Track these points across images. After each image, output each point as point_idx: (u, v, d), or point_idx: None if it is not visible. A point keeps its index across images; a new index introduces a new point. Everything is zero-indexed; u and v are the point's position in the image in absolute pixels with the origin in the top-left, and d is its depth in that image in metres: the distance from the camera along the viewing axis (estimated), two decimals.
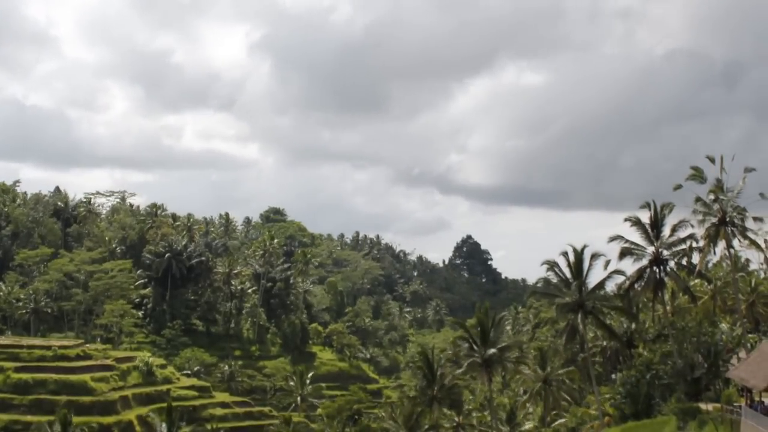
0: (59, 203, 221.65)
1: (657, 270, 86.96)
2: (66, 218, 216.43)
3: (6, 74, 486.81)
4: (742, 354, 79.58)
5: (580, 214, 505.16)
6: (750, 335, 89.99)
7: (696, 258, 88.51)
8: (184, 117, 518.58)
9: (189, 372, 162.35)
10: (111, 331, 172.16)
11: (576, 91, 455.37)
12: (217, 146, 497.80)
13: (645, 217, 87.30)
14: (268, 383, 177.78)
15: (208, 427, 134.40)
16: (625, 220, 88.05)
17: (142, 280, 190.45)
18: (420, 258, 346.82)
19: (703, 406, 74.67)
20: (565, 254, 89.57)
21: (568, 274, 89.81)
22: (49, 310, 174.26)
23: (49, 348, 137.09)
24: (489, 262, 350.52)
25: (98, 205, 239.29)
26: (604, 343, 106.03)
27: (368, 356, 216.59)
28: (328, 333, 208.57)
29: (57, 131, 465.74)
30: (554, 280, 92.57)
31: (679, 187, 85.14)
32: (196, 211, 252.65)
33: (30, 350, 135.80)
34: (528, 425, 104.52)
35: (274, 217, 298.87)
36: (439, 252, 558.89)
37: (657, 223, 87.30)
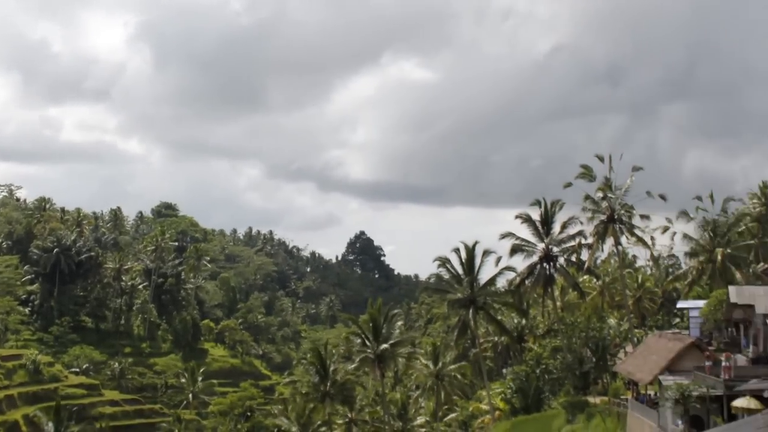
0: None
1: (547, 266, 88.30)
2: None
3: None
4: (629, 348, 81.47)
5: (462, 210, 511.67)
6: (636, 330, 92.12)
7: (585, 254, 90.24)
8: (63, 108, 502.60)
9: (78, 370, 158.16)
10: None
11: (462, 89, 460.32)
12: (99, 138, 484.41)
13: (536, 214, 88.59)
14: (158, 380, 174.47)
15: (98, 425, 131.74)
16: (516, 217, 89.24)
17: (29, 276, 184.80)
18: (313, 254, 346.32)
19: (591, 399, 76.13)
20: (457, 251, 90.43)
21: (460, 271, 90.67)
22: None
23: None
24: (382, 258, 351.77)
25: None
26: (496, 339, 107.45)
27: (261, 352, 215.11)
28: (221, 329, 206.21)
29: None
30: (446, 276, 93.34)
31: (569, 185, 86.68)
32: (85, 206, 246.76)
33: None
34: (420, 420, 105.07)
35: (165, 212, 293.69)
36: (332, 248, 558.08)
37: (547, 220, 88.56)
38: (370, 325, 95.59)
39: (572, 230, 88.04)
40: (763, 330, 59.71)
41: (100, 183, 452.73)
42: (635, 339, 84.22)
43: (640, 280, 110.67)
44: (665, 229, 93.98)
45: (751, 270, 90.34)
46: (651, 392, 62.56)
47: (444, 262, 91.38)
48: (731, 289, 67.78)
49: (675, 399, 50.41)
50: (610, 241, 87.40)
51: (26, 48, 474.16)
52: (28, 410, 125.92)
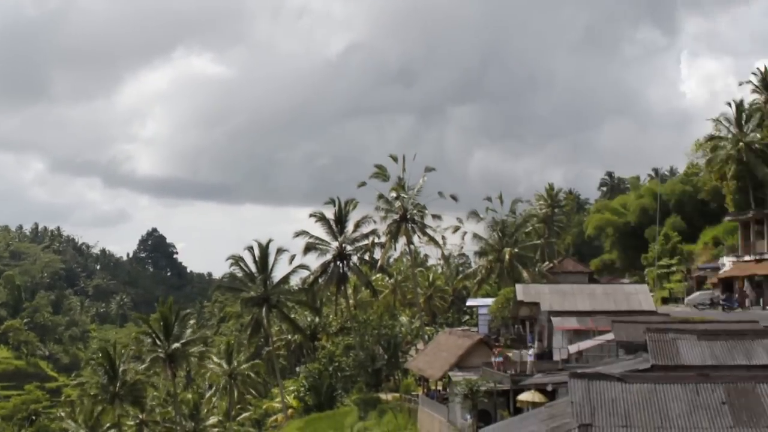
0: None
1: (340, 265, 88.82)
2: None
3: None
4: (420, 345, 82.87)
5: (253, 208, 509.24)
6: (427, 327, 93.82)
7: (378, 253, 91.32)
8: None
9: None
10: None
11: (256, 87, 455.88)
12: None
13: (330, 213, 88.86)
14: None
15: None
16: (311, 215, 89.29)
17: None
18: (103, 251, 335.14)
19: (383, 396, 76.92)
20: (250, 249, 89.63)
21: (254, 269, 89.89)
22: None
23: None
24: (174, 256, 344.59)
25: None
26: (289, 337, 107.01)
27: (47, 353, 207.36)
28: (4, 330, 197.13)
29: None
30: (240, 274, 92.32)
31: (363, 184, 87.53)
32: None
33: None
34: (212, 420, 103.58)
35: None
36: (123, 245, 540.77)
37: (341, 219, 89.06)
38: (161, 323, 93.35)
39: (366, 229, 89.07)
40: (548, 326, 62.03)
41: None
42: (426, 336, 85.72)
43: (431, 278, 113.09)
44: (456, 229, 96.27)
45: (537, 269, 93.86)
46: (441, 388, 63.69)
47: (237, 260, 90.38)
48: (518, 287, 70.19)
49: (464, 394, 51.40)
50: (402, 240, 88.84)
51: None
52: None
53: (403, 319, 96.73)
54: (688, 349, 36.24)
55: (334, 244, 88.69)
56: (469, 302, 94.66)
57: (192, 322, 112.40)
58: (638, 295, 65.81)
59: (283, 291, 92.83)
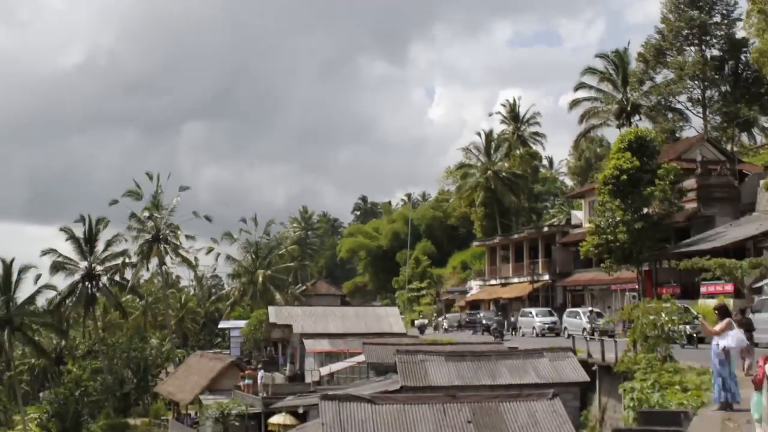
0: None
1: (89, 285, 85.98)
2: None
3: None
4: (171, 368, 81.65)
5: None
6: (178, 350, 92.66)
7: (129, 274, 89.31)
8: None
9: None
10: None
11: None
12: None
13: (80, 231, 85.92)
14: None
15: None
16: (61, 229, 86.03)
17: None
18: None
19: (131, 421, 75.24)
20: None
21: None
22: None
23: None
24: None
25: None
26: (33, 361, 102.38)
27: None
28: None
29: None
30: None
31: (115, 202, 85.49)
32: None
33: None
34: None
35: None
36: None
37: (91, 238, 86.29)
38: None
39: (117, 249, 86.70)
40: (300, 349, 62.73)
41: None
42: (177, 359, 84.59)
43: (183, 300, 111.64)
44: (210, 250, 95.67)
45: (290, 291, 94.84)
46: (192, 412, 63.05)
47: None
48: (271, 309, 70.71)
49: (215, 418, 51.17)
50: (155, 261, 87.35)
51: None
52: None
53: (154, 341, 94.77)
54: (436, 370, 37.67)
55: (83, 264, 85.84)
56: (222, 324, 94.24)
57: None
58: (389, 318, 67.81)
59: (28, 312, 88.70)
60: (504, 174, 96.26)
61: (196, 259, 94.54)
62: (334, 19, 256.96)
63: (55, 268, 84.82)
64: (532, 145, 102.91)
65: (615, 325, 45.28)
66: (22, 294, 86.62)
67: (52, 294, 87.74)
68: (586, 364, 37.27)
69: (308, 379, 56.33)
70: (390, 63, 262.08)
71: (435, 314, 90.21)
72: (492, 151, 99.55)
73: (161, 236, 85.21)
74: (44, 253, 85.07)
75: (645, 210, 50.65)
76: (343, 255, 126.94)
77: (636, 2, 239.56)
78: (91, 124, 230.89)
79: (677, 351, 31.06)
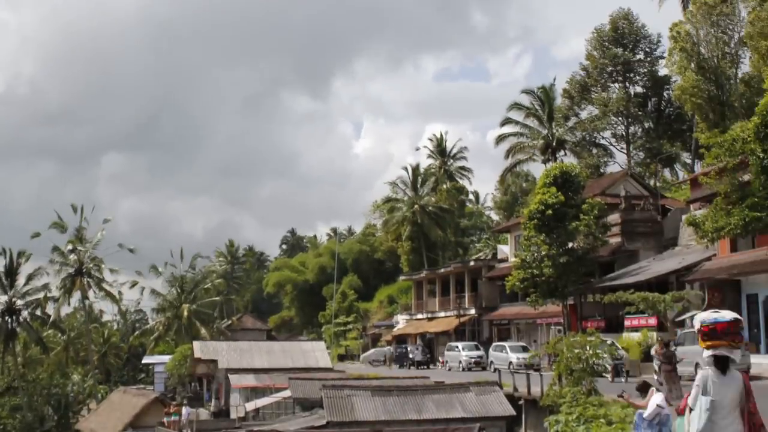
0: None
1: (9, 320, 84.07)
2: None
3: None
4: (93, 405, 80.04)
5: None
6: (101, 386, 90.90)
7: (51, 308, 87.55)
8: None
9: None
10: None
11: None
12: None
13: (0, 264, 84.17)
14: None
15: None
16: None
17: None
18: None
19: None
20: None
21: None
22: None
23: None
24: None
25: None
26: None
27: None
28: None
29: None
30: None
31: (37, 235, 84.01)
32: None
33: None
34: None
35: None
36: None
37: (12, 271, 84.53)
38: None
39: (38, 282, 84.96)
40: (225, 384, 62.02)
41: None
42: (99, 395, 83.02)
43: (106, 334, 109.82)
44: (134, 284, 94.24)
45: (215, 326, 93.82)
46: None
47: None
48: (196, 344, 69.82)
49: None
50: (77, 295, 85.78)
51: None
52: None
53: (76, 377, 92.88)
54: (363, 404, 37.43)
55: (3, 298, 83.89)
56: (146, 359, 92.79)
57: None
58: (315, 353, 67.40)
59: None
60: (431, 208, 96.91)
61: (120, 293, 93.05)
62: (257, 52, 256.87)
63: None
64: (458, 179, 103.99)
65: (540, 359, 45.61)
66: None
67: None
68: (512, 398, 37.38)
69: (233, 415, 55.60)
70: (313, 98, 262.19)
71: (361, 349, 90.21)
72: (419, 186, 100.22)
73: (84, 270, 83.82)
74: None
75: (570, 244, 51.31)
76: (270, 289, 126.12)
77: (562, 39, 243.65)
78: (9, 154, 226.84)
79: (604, 384, 31.37)
